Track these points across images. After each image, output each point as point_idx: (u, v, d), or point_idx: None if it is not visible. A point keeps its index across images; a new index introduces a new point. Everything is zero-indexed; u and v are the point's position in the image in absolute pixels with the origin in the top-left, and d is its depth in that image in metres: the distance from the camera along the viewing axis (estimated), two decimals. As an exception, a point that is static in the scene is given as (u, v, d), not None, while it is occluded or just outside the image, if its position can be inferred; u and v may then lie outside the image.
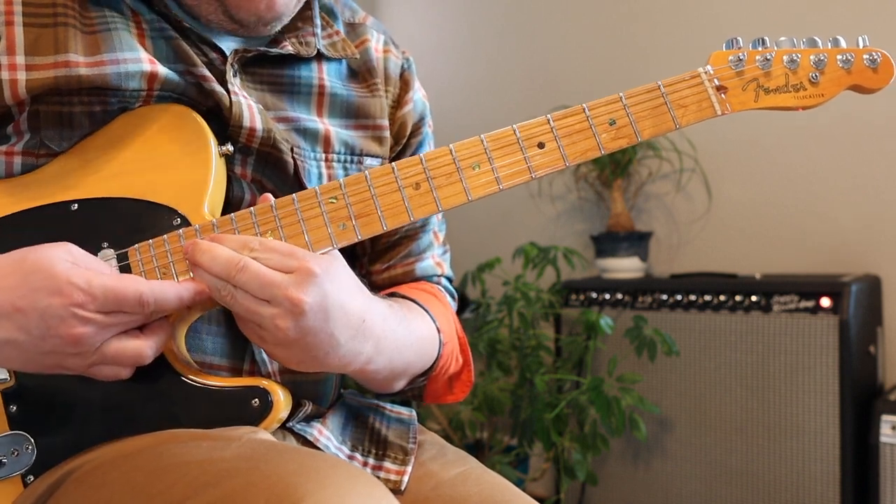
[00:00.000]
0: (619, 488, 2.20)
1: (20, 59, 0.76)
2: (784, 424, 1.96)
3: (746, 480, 2.01)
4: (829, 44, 0.81)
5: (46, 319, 0.66)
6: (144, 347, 0.71)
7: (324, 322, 0.71)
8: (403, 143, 1.00)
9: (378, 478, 0.87)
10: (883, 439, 1.83)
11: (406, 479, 0.88)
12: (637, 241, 2.39)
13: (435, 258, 1.03)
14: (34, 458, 0.74)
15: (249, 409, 0.75)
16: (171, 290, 0.71)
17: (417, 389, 0.95)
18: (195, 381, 0.76)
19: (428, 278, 1.02)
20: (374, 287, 1.00)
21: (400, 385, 0.90)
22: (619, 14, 2.63)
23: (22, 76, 0.76)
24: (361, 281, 0.99)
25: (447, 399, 0.99)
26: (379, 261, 1.00)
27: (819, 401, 1.91)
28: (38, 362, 0.69)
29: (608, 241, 2.40)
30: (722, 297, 2.06)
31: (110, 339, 0.69)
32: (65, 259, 0.68)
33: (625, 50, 2.60)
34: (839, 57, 0.80)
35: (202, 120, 0.80)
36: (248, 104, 0.83)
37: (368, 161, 0.94)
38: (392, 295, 0.95)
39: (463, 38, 3.01)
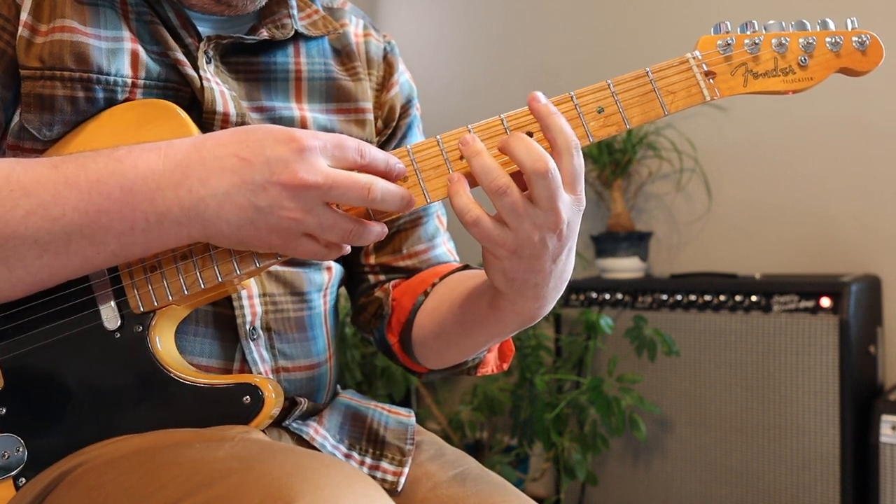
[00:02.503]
0: (619, 488, 2.19)
1: (29, 18, 0.78)
2: (784, 424, 1.95)
3: (746, 480, 2.00)
4: (818, 26, 0.80)
5: (272, 165, 0.67)
6: (357, 228, 0.72)
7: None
8: (393, 126, 0.99)
9: (375, 478, 0.86)
10: (883, 439, 1.83)
11: (403, 479, 0.87)
12: (637, 241, 2.38)
13: (446, 244, 1.03)
14: (25, 460, 0.74)
15: (241, 406, 0.75)
16: (381, 153, 0.73)
17: (478, 359, 0.95)
18: (185, 380, 0.75)
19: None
20: (390, 273, 0.99)
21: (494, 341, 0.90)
22: (619, 13, 2.63)
23: (26, 35, 0.77)
24: (364, 270, 0.98)
25: (502, 367, 0.99)
26: (388, 250, 0.99)
27: (819, 401, 1.90)
28: (252, 228, 0.69)
29: (608, 241, 2.39)
30: (722, 297, 2.06)
31: (329, 210, 0.70)
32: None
33: (625, 49, 2.59)
34: (828, 40, 0.79)
35: (186, 115, 0.79)
36: (220, 90, 0.83)
37: None
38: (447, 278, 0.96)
39: (463, 38, 3.01)
